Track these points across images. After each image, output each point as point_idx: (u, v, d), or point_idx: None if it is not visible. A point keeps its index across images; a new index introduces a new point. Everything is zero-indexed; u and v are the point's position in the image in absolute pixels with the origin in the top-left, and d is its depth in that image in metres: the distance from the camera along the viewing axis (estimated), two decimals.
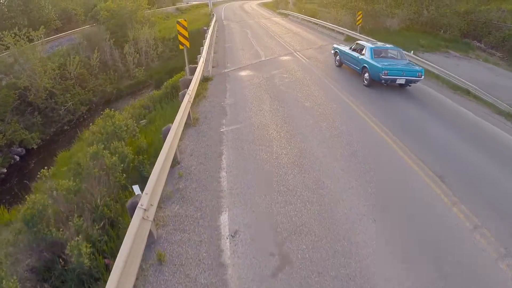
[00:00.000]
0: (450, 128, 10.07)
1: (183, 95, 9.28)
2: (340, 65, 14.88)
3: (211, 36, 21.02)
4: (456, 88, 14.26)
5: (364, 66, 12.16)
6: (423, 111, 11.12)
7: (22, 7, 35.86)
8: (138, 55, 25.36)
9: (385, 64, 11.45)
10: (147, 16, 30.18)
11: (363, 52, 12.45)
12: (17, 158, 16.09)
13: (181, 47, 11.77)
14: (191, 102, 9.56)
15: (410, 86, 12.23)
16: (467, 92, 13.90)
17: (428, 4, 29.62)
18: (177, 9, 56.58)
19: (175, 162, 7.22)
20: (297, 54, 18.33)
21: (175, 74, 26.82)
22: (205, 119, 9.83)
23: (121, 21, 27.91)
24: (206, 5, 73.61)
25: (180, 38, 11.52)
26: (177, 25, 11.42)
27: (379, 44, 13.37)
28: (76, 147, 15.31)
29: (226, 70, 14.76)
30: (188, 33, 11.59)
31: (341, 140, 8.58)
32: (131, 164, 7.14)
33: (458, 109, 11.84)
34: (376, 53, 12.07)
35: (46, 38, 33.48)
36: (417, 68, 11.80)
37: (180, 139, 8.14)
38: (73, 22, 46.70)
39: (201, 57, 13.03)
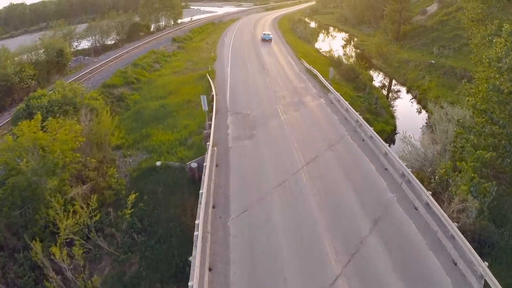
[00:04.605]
0: None
1: None
2: (261, 39, 47.42)
3: None
4: None
5: (261, 36, 48.44)
6: None
7: None
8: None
9: (264, 36, 47.81)
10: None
11: (262, 35, 48.40)
12: None
13: None
14: None
15: (269, 40, 47.09)
16: None
17: None
18: (174, 40, 43.02)
19: None
20: None
21: None
22: None
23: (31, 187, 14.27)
24: (212, 24, 59.26)
25: None
26: None
27: (266, 32, 50.27)
28: None
29: None
30: None
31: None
32: None
33: None
34: (264, 35, 47.84)
35: None
36: (270, 36, 47.76)
37: None
38: (19, 90, 32.69)
39: None
